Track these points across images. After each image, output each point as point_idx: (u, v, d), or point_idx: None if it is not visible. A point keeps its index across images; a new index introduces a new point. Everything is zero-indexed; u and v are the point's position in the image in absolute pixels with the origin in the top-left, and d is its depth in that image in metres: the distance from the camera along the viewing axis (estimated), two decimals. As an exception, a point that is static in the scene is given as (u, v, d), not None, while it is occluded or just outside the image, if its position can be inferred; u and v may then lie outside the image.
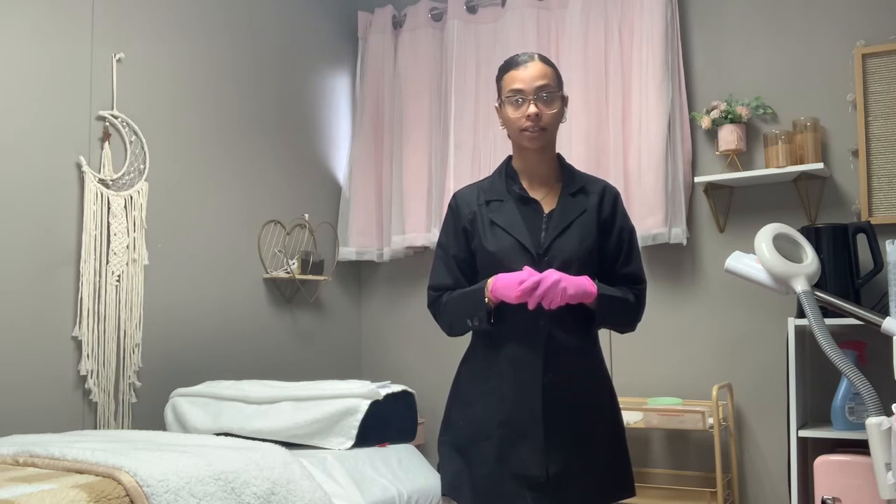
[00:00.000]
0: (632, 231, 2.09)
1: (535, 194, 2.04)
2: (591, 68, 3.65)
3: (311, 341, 4.04)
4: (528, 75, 1.99)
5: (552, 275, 1.86)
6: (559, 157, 2.10)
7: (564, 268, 1.93)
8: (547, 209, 2.02)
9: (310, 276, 3.93)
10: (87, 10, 3.18)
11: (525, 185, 2.05)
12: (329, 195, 4.23)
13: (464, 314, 2.03)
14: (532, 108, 1.97)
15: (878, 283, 3.03)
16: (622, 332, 2.12)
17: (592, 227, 2.01)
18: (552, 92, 2.00)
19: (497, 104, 2.06)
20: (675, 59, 3.51)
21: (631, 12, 3.60)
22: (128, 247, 3.22)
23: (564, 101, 2.06)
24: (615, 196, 2.08)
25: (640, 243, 3.48)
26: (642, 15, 3.54)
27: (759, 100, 3.37)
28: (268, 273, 3.81)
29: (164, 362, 3.35)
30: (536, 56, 2.04)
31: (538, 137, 1.99)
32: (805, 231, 3.03)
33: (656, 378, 3.52)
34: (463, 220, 2.07)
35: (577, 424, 1.94)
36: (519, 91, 1.99)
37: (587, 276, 1.94)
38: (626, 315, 2.05)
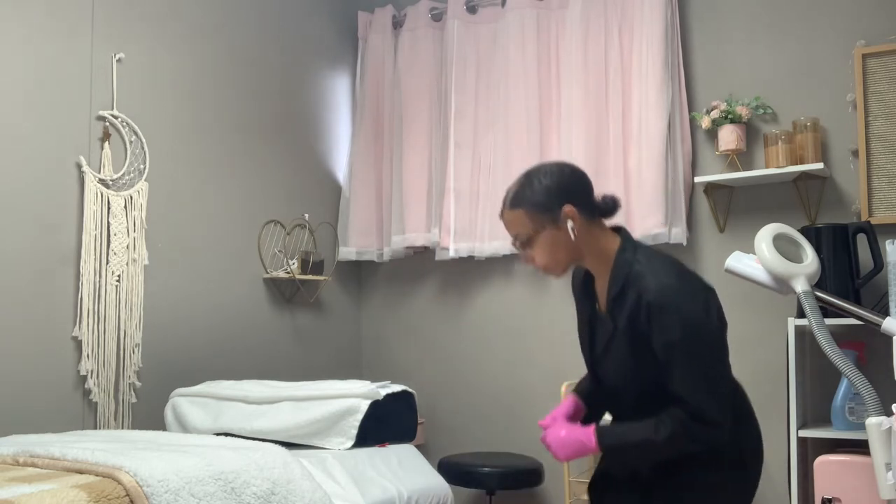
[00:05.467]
0: (674, 344, 1.74)
1: (601, 292, 1.92)
2: (591, 68, 3.65)
3: (311, 341, 4.04)
4: (505, 226, 1.92)
5: (547, 436, 1.90)
6: (621, 247, 1.88)
7: (617, 388, 1.91)
8: (602, 307, 1.92)
9: (310, 276, 3.93)
10: (87, 10, 3.18)
11: (597, 284, 1.95)
12: (329, 195, 4.23)
13: None
14: (521, 258, 1.93)
15: (878, 283, 3.03)
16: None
17: (627, 349, 1.83)
18: (528, 236, 1.87)
19: None
20: (675, 59, 3.51)
21: (631, 12, 3.60)
22: (128, 247, 3.22)
23: (555, 222, 1.84)
24: (649, 306, 1.75)
25: (640, 243, 3.49)
26: (642, 15, 3.54)
27: (759, 100, 3.36)
28: (268, 273, 3.81)
29: (164, 362, 3.35)
30: (508, 201, 1.89)
31: (551, 274, 1.93)
32: (805, 231, 3.03)
33: (656, 378, 3.51)
34: (575, 295, 2.07)
35: None
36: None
37: (586, 430, 1.86)
38: (645, 457, 1.83)
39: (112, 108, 3.24)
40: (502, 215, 1.91)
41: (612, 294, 1.83)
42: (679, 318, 1.73)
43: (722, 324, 1.82)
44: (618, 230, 1.92)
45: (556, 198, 1.83)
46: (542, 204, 1.84)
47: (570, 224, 1.82)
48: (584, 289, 1.98)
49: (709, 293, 1.80)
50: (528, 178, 1.88)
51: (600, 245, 1.87)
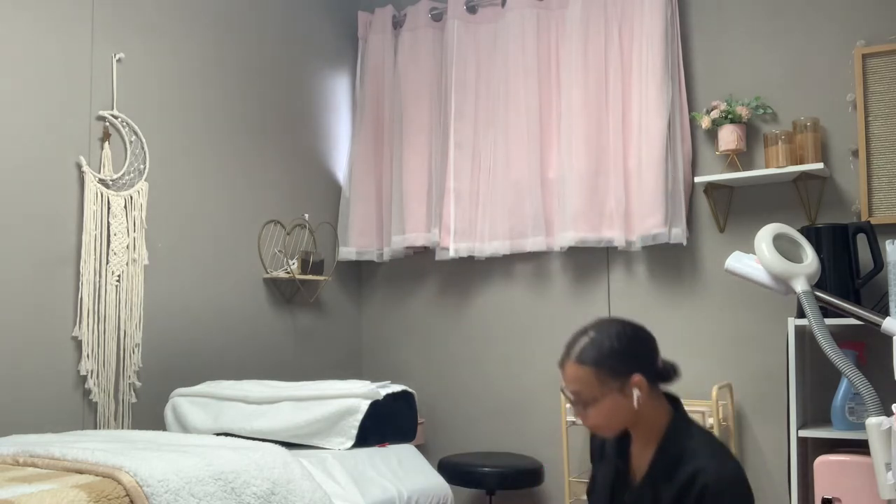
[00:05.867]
0: None
1: (638, 459, 1.86)
2: (591, 68, 3.64)
3: (311, 341, 4.04)
4: (564, 376, 1.82)
5: None
6: (675, 417, 1.83)
7: None
8: (637, 479, 1.85)
9: (310, 276, 3.93)
10: (87, 9, 3.18)
11: (634, 448, 1.88)
12: (329, 195, 4.23)
13: None
14: (574, 412, 1.82)
15: (878, 283, 3.03)
16: None
17: None
18: (591, 398, 1.77)
19: None
20: (675, 59, 3.51)
21: (631, 12, 3.60)
22: (128, 247, 3.22)
23: (622, 388, 1.76)
24: (705, 488, 1.69)
25: (640, 244, 3.49)
26: (642, 15, 3.54)
27: (759, 100, 3.37)
28: (268, 273, 3.82)
29: (164, 362, 3.35)
30: (575, 355, 1.80)
31: (599, 434, 1.87)
32: (805, 231, 3.03)
33: (656, 378, 3.51)
34: (595, 454, 2.00)
35: None
36: (564, 387, 1.83)
37: None
38: None
39: (112, 108, 3.24)
40: (564, 366, 1.81)
41: (661, 466, 1.77)
42: None
43: None
44: (670, 398, 1.87)
45: (628, 364, 1.77)
46: (613, 369, 1.77)
47: (636, 393, 1.76)
48: (617, 448, 1.89)
49: (749, 486, 1.77)
50: (600, 334, 1.80)
51: (656, 414, 1.82)
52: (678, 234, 3.42)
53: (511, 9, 3.88)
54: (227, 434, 2.99)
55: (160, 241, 3.36)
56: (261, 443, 2.61)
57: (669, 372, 1.84)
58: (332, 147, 4.26)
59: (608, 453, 1.93)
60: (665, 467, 1.76)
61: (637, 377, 1.76)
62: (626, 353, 1.78)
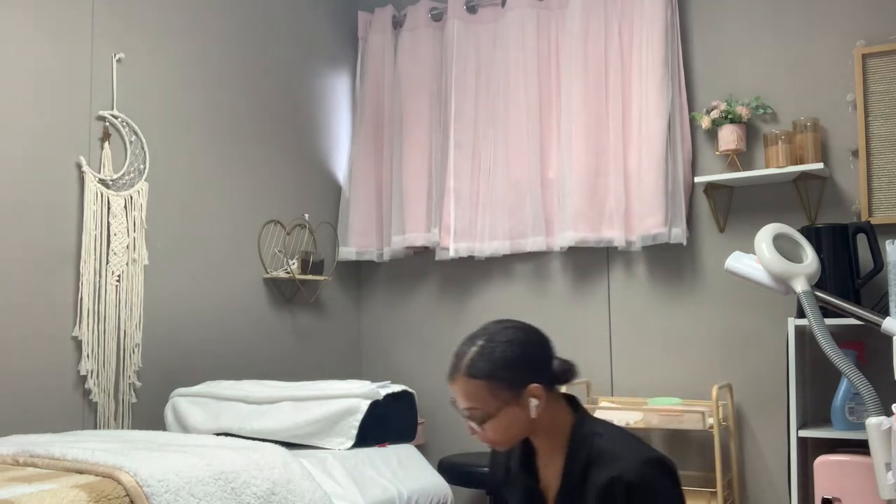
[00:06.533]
0: None
1: (547, 472, 1.73)
2: (591, 68, 3.65)
3: (311, 341, 4.04)
4: (455, 392, 1.67)
5: None
6: (574, 423, 1.70)
7: None
8: (551, 494, 1.71)
9: (310, 276, 3.93)
10: (87, 9, 3.18)
11: (540, 462, 1.75)
12: (329, 195, 4.23)
13: None
14: (468, 428, 1.69)
15: (878, 283, 3.03)
16: None
17: None
18: (485, 415, 1.65)
19: None
20: (675, 59, 3.51)
21: (631, 12, 3.60)
22: (128, 247, 3.22)
23: (518, 398, 1.64)
24: (629, 486, 1.57)
25: (640, 244, 3.49)
26: (642, 15, 3.54)
27: (759, 100, 3.37)
28: (268, 273, 3.82)
29: (164, 362, 3.35)
30: (464, 368, 1.65)
31: (496, 448, 1.74)
32: (805, 231, 3.03)
33: (656, 378, 3.52)
34: (499, 477, 1.86)
35: None
36: (456, 403, 1.69)
37: None
38: None
39: (112, 108, 3.24)
40: (454, 380, 1.67)
41: (575, 472, 1.64)
42: (663, 499, 1.59)
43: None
44: (568, 399, 1.75)
45: (522, 373, 1.64)
46: (507, 380, 1.63)
47: (534, 403, 1.64)
48: (522, 465, 1.76)
49: (675, 468, 1.66)
50: (490, 342, 1.66)
51: (556, 419, 1.69)
52: (678, 234, 3.42)
53: (511, 8, 3.88)
54: (226, 434, 2.99)
55: (160, 241, 3.36)
56: (261, 443, 2.61)
57: (567, 373, 1.74)
58: (332, 147, 4.26)
59: (514, 473, 1.79)
60: (579, 472, 1.64)
61: (534, 387, 1.64)
62: (519, 362, 1.65)
